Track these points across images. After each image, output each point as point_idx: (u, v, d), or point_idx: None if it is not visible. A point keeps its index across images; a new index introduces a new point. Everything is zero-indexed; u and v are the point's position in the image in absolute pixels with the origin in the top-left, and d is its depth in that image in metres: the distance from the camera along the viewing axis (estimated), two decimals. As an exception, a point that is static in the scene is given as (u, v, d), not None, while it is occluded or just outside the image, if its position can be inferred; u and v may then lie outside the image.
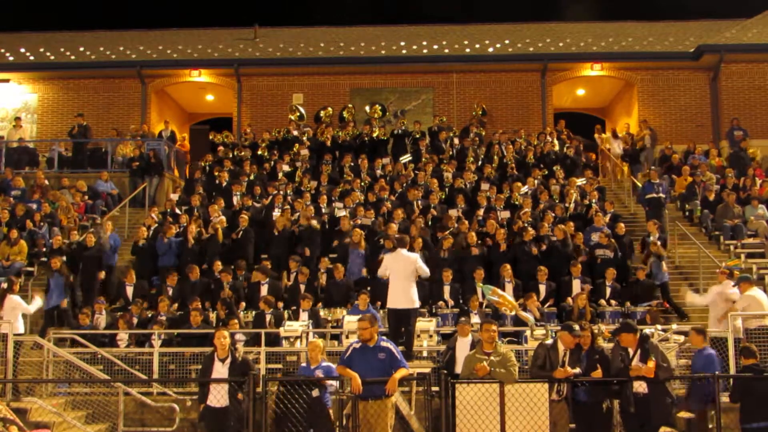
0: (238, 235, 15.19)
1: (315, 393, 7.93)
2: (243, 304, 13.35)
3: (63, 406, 10.45)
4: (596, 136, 22.54)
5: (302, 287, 13.50)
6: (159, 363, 11.11)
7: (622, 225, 15.15)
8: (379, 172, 18.36)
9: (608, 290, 13.49)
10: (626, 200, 19.13)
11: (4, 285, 11.99)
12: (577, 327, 8.53)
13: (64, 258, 14.27)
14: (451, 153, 19.47)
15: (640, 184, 19.26)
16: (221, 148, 19.79)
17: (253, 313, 12.82)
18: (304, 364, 8.47)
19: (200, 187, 17.79)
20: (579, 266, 13.59)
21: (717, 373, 8.97)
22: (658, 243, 14.35)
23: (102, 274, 14.41)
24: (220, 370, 8.23)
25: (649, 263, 14.08)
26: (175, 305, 13.32)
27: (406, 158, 19.29)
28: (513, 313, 11.51)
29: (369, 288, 13.18)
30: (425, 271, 10.47)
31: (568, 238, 14.42)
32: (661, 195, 16.42)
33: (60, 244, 14.86)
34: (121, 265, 15.53)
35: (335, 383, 8.32)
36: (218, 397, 8.07)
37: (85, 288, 14.28)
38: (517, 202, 16.43)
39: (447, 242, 14.26)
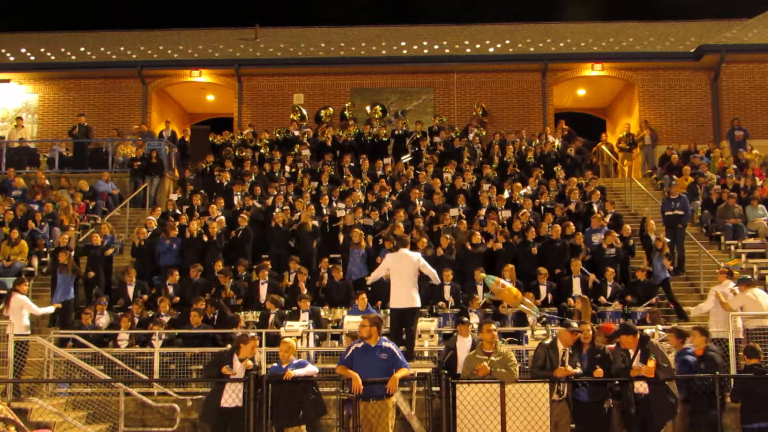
0: (237, 233, 15.20)
1: (291, 373, 7.98)
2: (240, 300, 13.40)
3: (64, 406, 10.44)
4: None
5: (302, 287, 13.51)
6: (160, 363, 11.10)
7: (628, 227, 15.10)
8: (379, 172, 18.37)
9: (609, 290, 13.50)
10: (627, 200, 19.12)
11: (24, 286, 11.98)
12: (575, 324, 8.54)
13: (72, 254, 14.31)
14: (442, 150, 19.44)
15: (642, 185, 19.32)
16: (229, 148, 19.79)
17: (258, 313, 12.84)
18: (275, 365, 8.50)
19: (192, 186, 17.82)
20: (579, 263, 13.60)
21: (717, 373, 8.95)
22: (664, 239, 14.31)
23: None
24: (239, 369, 8.19)
25: (653, 259, 14.06)
26: (177, 298, 13.37)
27: (407, 158, 19.28)
28: (515, 304, 11.50)
29: (369, 288, 13.18)
30: (433, 274, 10.45)
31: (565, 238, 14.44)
32: (678, 212, 15.54)
33: (66, 242, 14.87)
34: (122, 265, 15.54)
35: (315, 369, 8.35)
36: (233, 396, 8.04)
37: (88, 287, 14.33)
38: (518, 202, 16.43)
39: (444, 242, 14.26)
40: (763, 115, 21.82)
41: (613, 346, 8.50)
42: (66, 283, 13.51)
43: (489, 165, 18.58)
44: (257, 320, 12.69)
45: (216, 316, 12.47)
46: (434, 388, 8.39)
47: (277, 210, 15.91)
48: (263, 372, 8.99)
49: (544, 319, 11.76)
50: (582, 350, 8.47)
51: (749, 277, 11.76)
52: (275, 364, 8.51)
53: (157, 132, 21.99)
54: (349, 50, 23.66)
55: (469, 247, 14.24)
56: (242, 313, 13.02)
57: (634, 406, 7.90)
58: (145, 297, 13.69)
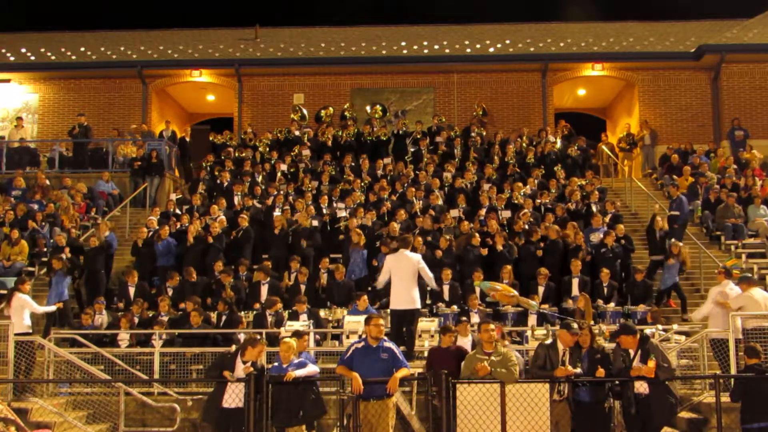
0: (237, 234, 15.20)
1: (291, 374, 7.97)
2: (258, 304, 13.35)
3: (64, 406, 10.45)
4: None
5: (302, 287, 13.50)
6: (160, 363, 11.11)
7: (622, 227, 15.11)
8: (379, 172, 18.36)
9: (605, 290, 13.49)
10: (627, 200, 19.12)
11: (26, 285, 11.98)
12: (575, 325, 8.52)
13: (66, 256, 14.29)
14: (444, 150, 19.45)
15: (642, 184, 19.32)
16: (229, 149, 19.81)
17: (253, 313, 12.85)
18: (275, 364, 8.48)
19: (203, 187, 17.85)
20: (579, 263, 13.60)
21: (717, 373, 8.95)
22: (680, 245, 14.30)
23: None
24: (242, 371, 8.17)
25: (664, 263, 14.11)
26: (186, 304, 13.33)
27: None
28: (511, 303, 11.52)
29: (370, 289, 13.16)
30: (431, 279, 10.48)
31: (563, 238, 14.42)
32: (674, 213, 15.67)
33: (63, 242, 14.85)
34: (122, 265, 15.54)
35: (316, 369, 8.35)
36: (233, 397, 8.02)
37: (89, 287, 14.32)
38: (518, 202, 16.42)
39: (444, 243, 14.25)
40: (763, 115, 21.81)
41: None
42: (60, 284, 13.53)
43: (489, 165, 18.58)
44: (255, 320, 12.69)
45: (226, 316, 12.50)
46: (434, 388, 8.38)
47: (277, 210, 15.90)
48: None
49: (541, 310, 11.77)
50: (581, 350, 8.45)
51: (750, 275, 11.71)
52: (275, 364, 8.50)
53: (157, 132, 21.98)
54: (349, 50, 23.65)
55: (469, 248, 14.24)
56: (243, 313, 13.02)
57: (634, 406, 7.89)
58: (141, 302, 13.57)
